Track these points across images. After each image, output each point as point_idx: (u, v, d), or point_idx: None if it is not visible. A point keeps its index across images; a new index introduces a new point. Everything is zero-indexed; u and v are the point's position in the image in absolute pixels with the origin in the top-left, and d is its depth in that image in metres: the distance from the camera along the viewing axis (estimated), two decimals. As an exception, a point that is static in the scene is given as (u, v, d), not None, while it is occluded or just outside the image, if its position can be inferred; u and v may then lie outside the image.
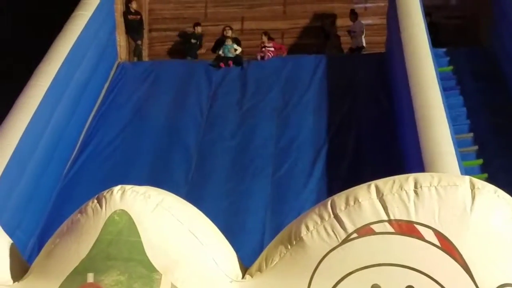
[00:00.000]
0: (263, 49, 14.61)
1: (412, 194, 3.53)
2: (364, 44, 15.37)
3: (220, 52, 14.42)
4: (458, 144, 10.16)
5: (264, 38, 14.90)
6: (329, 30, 15.61)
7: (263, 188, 10.88)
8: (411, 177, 3.58)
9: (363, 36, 15.35)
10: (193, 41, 15.23)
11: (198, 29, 15.33)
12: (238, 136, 12.15)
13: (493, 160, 10.65)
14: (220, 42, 14.74)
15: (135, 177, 10.69)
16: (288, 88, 13.32)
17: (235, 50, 14.43)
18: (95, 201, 4.03)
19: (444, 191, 3.51)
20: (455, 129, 10.30)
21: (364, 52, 15.24)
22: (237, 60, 14.27)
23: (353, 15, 15.45)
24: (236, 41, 14.74)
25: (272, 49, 14.92)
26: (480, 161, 10.87)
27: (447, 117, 9.96)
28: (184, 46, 15.43)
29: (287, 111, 12.71)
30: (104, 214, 3.96)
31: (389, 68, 13.14)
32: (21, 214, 9.83)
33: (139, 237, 3.92)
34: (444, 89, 11.05)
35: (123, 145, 12.03)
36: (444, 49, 13.68)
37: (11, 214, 9.40)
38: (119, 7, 14.84)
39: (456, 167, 8.95)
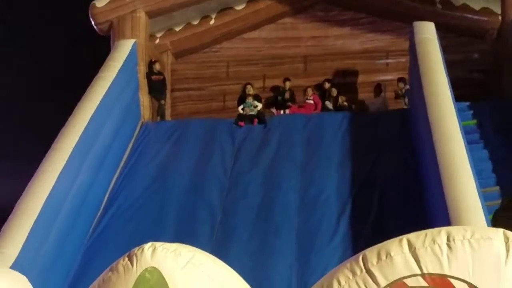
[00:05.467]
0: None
1: (445, 247, 3.49)
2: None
3: (240, 110, 14.55)
4: (485, 197, 10.04)
5: (309, 91, 15.13)
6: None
7: (287, 245, 10.79)
8: (443, 230, 3.55)
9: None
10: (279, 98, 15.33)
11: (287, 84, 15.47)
12: (261, 193, 12.12)
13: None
14: (241, 100, 14.90)
15: (159, 235, 10.67)
16: (311, 144, 13.34)
17: (255, 107, 14.54)
18: (126, 258, 4.04)
19: (478, 244, 3.47)
20: (481, 183, 10.19)
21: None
22: (260, 118, 14.37)
23: (377, 89, 15.18)
24: (257, 98, 14.89)
25: (312, 102, 15.13)
26: (508, 214, 10.71)
27: (472, 171, 9.89)
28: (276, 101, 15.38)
29: (310, 167, 12.69)
30: (135, 271, 3.95)
31: (413, 123, 13.14)
32: (47, 274, 9.82)
33: (170, 294, 3.90)
34: (468, 143, 10.99)
35: (147, 204, 12.05)
36: (468, 103, 13.68)
37: (38, 274, 9.39)
38: (142, 68, 15.06)
39: (483, 221, 8.85)
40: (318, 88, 15.85)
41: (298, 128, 13.93)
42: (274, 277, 10.15)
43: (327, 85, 15.53)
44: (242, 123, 14.19)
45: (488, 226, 8.83)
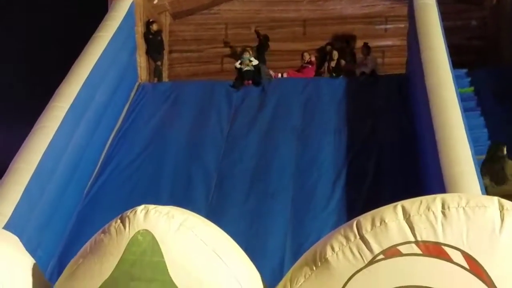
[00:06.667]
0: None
1: (439, 215, 3.48)
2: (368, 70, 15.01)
3: (238, 64, 14.50)
4: (479, 164, 10.09)
5: (306, 55, 15.15)
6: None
7: (282, 210, 10.82)
8: (438, 197, 3.53)
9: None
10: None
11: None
12: (257, 157, 12.12)
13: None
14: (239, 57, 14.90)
15: (155, 197, 10.69)
16: (308, 109, 13.30)
17: (251, 61, 14.47)
18: (119, 221, 4.02)
19: (473, 212, 3.45)
20: (476, 150, 10.20)
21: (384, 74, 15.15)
22: (256, 79, 14.30)
23: (366, 49, 14.93)
24: (256, 57, 14.85)
25: (309, 66, 15.08)
26: (502, 182, 10.74)
27: (467, 138, 9.89)
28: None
29: (307, 132, 12.67)
30: (128, 234, 3.94)
31: (410, 89, 13.09)
32: (41, 233, 9.85)
33: (163, 257, 3.90)
34: (465, 110, 10.97)
35: (143, 166, 12.04)
36: (465, 70, 13.63)
37: (32, 234, 9.42)
38: (139, 29, 14.92)
39: (477, 187, 8.87)
40: (319, 51, 15.75)
41: (295, 92, 13.87)
42: (269, 240, 10.19)
43: (328, 48, 15.43)
44: (249, 82, 14.13)
45: (483, 193, 8.85)
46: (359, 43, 15.72)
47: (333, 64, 15.21)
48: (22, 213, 9.32)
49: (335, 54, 15.20)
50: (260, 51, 15.20)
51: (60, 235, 10.47)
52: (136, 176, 11.79)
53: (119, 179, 11.74)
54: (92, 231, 4.32)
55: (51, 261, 9.97)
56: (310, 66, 15.30)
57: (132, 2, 14.61)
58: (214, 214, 10.18)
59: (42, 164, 10.10)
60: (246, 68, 14.40)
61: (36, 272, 4.39)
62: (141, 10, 14.95)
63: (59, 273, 4.34)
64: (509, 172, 10.16)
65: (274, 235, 10.32)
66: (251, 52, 14.74)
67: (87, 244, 4.16)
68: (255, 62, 14.48)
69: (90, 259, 4.04)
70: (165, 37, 16.06)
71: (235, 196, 11.21)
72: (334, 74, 14.95)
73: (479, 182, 9.06)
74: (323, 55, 15.57)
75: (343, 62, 15.18)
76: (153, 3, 16.01)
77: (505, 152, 10.31)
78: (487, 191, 9.89)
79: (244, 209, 10.89)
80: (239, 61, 14.58)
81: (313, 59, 15.43)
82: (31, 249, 5.60)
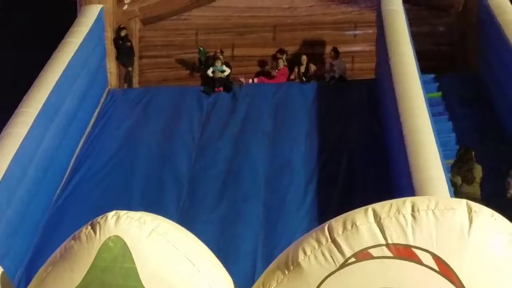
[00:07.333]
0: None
1: (409, 217, 3.52)
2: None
3: (210, 73, 14.47)
4: (449, 169, 10.22)
5: (280, 62, 15.16)
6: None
7: (254, 214, 10.85)
8: (408, 200, 3.58)
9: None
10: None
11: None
12: (229, 162, 12.13)
13: (484, 185, 10.68)
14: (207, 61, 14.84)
15: (126, 204, 10.62)
16: (279, 113, 13.37)
17: (223, 72, 14.49)
18: (89, 227, 3.98)
19: (442, 214, 3.50)
20: (445, 155, 10.35)
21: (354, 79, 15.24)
22: (227, 85, 14.32)
23: (335, 53, 14.97)
24: (226, 65, 14.86)
25: (281, 72, 15.10)
26: (471, 186, 10.88)
27: (436, 142, 10.02)
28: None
29: (278, 136, 12.73)
30: (98, 240, 3.90)
31: (379, 94, 13.21)
32: (9, 241, 9.72)
33: (134, 263, 3.87)
34: (433, 115, 11.12)
35: (113, 172, 11.98)
36: (433, 75, 13.80)
37: (1, 239, 9.30)
38: (109, 34, 14.86)
39: (446, 191, 8.99)
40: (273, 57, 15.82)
41: (266, 97, 13.93)
42: (240, 245, 10.22)
43: (278, 55, 15.46)
44: (220, 89, 14.13)
45: (452, 196, 8.96)
46: (328, 49, 15.82)
47: (302, 69, 15.25)
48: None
49: (304, 59, 15.25)
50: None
51: (28, 243, 10.35)
52: (107, 182, 11.72)
53: (89, 186, 11.65)
54: (61, 239, 4.27)
55: (18, 270, 9.85)
56: (282, 73, 15.29)
57: (102, 8, 14.55)
58: (186, 219, 10.16)
59: (10, 171, 9.98)
60: (218, 75, 14.43)
61: (4, 281, 4.33)
62: (110, 16, 14.89)
63: (27, 281, 4.29)
64: (477, 176, 10.41)
65: (246, 239, 10.34)
66: (222, 59, 14.76)
67: (57, 251, 4.11)
68: (227, 72, 14.53)
69: (60, 266, 4.00)
70: (135, 43, 15.99)
71: (207, 201, 11.21)
72: (304, 79, 14.98)
73: (448, 186, 9.19)
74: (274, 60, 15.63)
75: (313, 66, 15.22)
76: (123, 9, 15.94)
77: (473, 156, 10.56)
78: (458, 190, 10.10)
79: (216, 214, 10.90)
80: (211, 70, 14.58)
81: (285, 67, 15.41)
82: (-1, 257, 5.55)
